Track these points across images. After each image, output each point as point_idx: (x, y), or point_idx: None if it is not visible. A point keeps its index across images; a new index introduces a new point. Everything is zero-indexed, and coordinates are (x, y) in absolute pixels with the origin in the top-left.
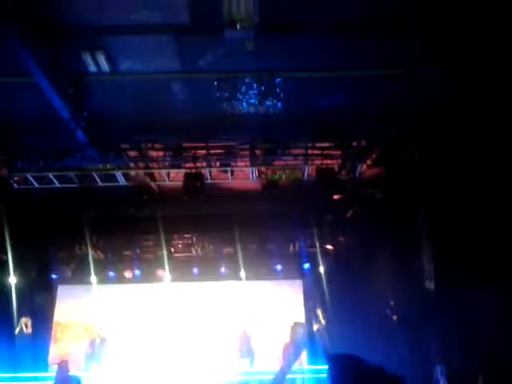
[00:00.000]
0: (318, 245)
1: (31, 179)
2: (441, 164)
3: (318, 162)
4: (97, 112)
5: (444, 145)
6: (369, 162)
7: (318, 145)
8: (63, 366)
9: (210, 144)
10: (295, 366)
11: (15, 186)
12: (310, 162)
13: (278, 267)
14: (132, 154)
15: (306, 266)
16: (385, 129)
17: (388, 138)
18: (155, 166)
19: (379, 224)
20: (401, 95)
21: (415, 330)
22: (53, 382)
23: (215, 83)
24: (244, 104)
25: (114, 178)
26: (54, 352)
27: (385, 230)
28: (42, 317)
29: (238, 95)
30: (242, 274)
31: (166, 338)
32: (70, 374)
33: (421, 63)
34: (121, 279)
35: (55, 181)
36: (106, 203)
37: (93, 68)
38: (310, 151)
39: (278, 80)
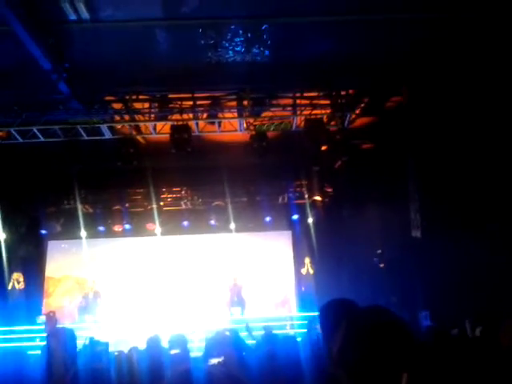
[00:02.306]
0: (306, 196)
1: (15, 134)
2: (429, 113)
3: (307, 112)
4: (79, 63)
5: (432, 93)
6: (358, 111)
7: (307, 94)
8: (51, 316)
9: (196, 95)
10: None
11: None
12: (298, 113)
13: (267, 219)
14: (117, 106)
15: (295, 217)
16: (374, 77)
17: (377, 87)
18: (141, 118)
19: (368, 174)
20: (389, 43)
21: (402, 277)
22: (44, 333)
23: (200, 30)
24: (230, 52)
25: (99, 131)
26: (47, 306)
27: (373, 180)
28: (34, 272)
29: (224, 43)
30: (232, 226)
31: (158, 289)
32: (64, 326)
33: (407, 7)
34: (111, 233)
35: (39, 135)
36: (92, 157)
37: (72, 16)
38: (298, 101)
39: (264, 26)
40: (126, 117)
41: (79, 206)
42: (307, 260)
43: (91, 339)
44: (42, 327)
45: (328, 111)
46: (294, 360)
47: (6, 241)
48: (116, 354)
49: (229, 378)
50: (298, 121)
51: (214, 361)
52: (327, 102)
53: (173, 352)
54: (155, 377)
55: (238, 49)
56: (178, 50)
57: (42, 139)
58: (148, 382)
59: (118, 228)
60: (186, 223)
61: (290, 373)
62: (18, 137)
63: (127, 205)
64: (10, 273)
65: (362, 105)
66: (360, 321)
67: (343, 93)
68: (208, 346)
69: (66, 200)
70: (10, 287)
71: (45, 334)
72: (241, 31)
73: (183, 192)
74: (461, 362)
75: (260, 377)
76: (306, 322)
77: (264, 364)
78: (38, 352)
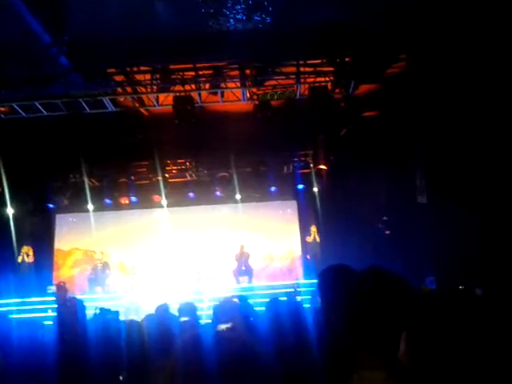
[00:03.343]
0: (311, 165)
1: (17, 108)
2: (433, 78)
3: (311, 80)
4: (78, 35)
5: (436, 56)
6: (362, 78)
7: (310, 62)
8: (61, 286)
9: (198, 65)
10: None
11: (2, 116)
12: (302, 81)
13: (273, 189)
14: (118, 78)
15: (300, 186)
16: (378, 43)
17: (381, 53)
18: (143, 90)
19: (372, 142)
20: (391, 5)
21: (408, 243)
22: (55, 304)
23: None
24: (231, 20)
25: (102, 104)
26: (57, 278)
27: (378, 147)
28: (43, 245)
29: (225, 11)
30: (238, 196)
31: (166, 260)
32: (76, 296)
33: None
34: (117, 206)
35: (42, 109)
36: (96, 131)
37: None
38: (301, 69)
39: None
40: (128, 89)
41: (85, 180)
42: (313, 228)
43: (102, 309)
44: (53, 298)
45: (332, 79)
46: (299, 326)
47: (14, 215)
48: (126, 322)
49: (237, 343)
50: (302, 89)
51: (223, 326)
52: (331, 69)
53: (182, 319)
54: (165, 343)
55: (239, 17)
56: (179, 20)
57: (45, 113)
58: (158, 349)
59: (124, 200)
60: (191, 194)
61: (295, 338)
62: (20, 111)
63: (133, 177)
64: (19, 246)
65: (367, 71)
66: (360, 286)
67: (347, 59)
68: (216, 313)
69: (72, 174)
70: (19, 260)
71: (55, 305)
72: None
73: (188, 163)
74: (465, 319)
75: (267, 341)
76: (312, 289)
77: (270, 329)
78: (51, 322)
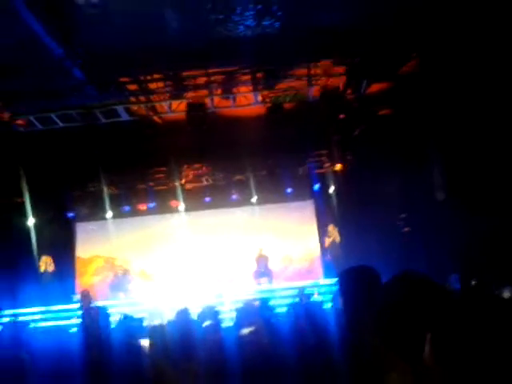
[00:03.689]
0: (327, 165)
1: (34, 121)
2: (447, 76)
3: (322, 81)
4: (91, 47)
5: (448, 54)
6: (373, 77)
7: (321, 63)
8: (85, 293)
9: (209, 71)
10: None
11: (21, 129)
12: (313, 82)
13: (289, 190)
14: (132, 87)
15: (316, 187)
16: (388, 42)
17: (392, 52)
18: (156, 98)
19: (387, 140)
20: (401, 5)
21: (428, 240)
22: (80, 311)
23: (209, 5)
24: (240, 26)
25: (116, 113)
26: (80, 286)
27: (393, 146)
28: (63, 254)
29: (234, 17)
30: (254, 199)
31: (186, 264)
32: (98, 305)
33: None
34: (136, 212)
35: (58, 121)
36: (112, 140)
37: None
38: (312, 71)
39: None
40: (142, 98)
41: (104, 188)
42: (331, 228)
43: (125, 315)
44: (77, 305)
45: (343, 79)
46: (320, 327)
47: (35, 225)
48: (149, 327)
49: (259, 346)
50: (314, 90)
51: (245, 330)
52: (342, 69)
53: (205, 324)
54: (187, 347)
55: (248, 23)
56: (188, 28)
57: (61, 125)
58: (181, 354)
59: (142, 207)
60: (208, 199)
61: (316, 339)
62: (37, 124)
63: (150, 184)
64: (40, 256)
65: (378, 70)
66: (393, 289)
67: (357, 59)
68: (238, 317)
69: (91, 183)
70: (42, 270)
71: (80, 312)
72: (251, 5)
73: (204, 168)
74: (491, 321)
75: (288, 343)
76: (333, 289)
77: (291, 331)
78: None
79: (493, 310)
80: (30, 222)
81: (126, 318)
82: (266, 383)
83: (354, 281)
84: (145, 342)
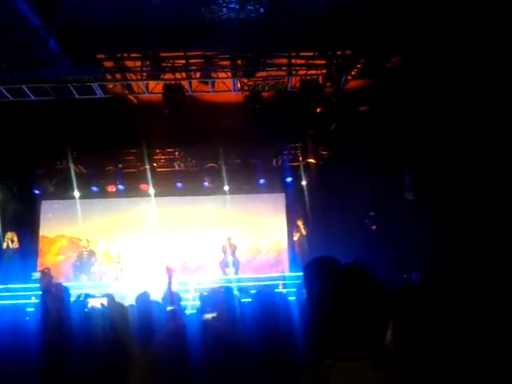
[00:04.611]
0: (301, 159)
1: (4, 92)
2: (426, 74)
3: (302, 72)
4: (69, 19)
5: (430, 53)
6: (353, 72)
7: (302, 54)
8: (45, 273)
9: (189, 53)
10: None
11: None
12: (293, 73)
13: (261, 181)
14: (108, 64)
15: (289, 179)
16: (371, 37)
17: (374, 48)
18: (133, 77)
19: (362, 137)
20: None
21: (394, 239)
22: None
23: None
24: (224, 9)
25: (91, 90)
26: (42, 265)
27: (367, 143)
28: (27, 232)
29: None
30: (226, 188)
31: (152, 249)
32: (60, 283)
33: None
34: (104, 194)
35: (30, 93)
36: (84, 117)
37: None
38: (293, 61)
39: None
40: (118, 75)
41: (72, 166)
42: (301, 222)
43: (86, 295)
44: (37, 285)
45: (324, 72)
46: (283, 317)
47: None
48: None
49: (221, 331)
50: (293, 81)
51: (208, 316)
52: (323, 62)
53: (168, 309)
54: (147, 331)
55: (232, 5)
56: (171, 7)
57: (33, 98)
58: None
59: (111, 188)
60: (179, 184)
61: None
62: (7, 95)
63: (120, 165)
64: (4, 232)
65: (359, 66)
66: (340, 278)
67: (339, 53)
68: (202, 303)
69: (59, 160)
70: (4, 246)
71: (40, 292)
72: None
73: (176, 153)
74: (447, 309)
75: (249, 330)
76: (298, 281)
77: (254, 320)
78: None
79: (448, 299)
80: None
81: (87, 298)
82: (226, 367)
83: (318, 271)
84: (105, 320)
